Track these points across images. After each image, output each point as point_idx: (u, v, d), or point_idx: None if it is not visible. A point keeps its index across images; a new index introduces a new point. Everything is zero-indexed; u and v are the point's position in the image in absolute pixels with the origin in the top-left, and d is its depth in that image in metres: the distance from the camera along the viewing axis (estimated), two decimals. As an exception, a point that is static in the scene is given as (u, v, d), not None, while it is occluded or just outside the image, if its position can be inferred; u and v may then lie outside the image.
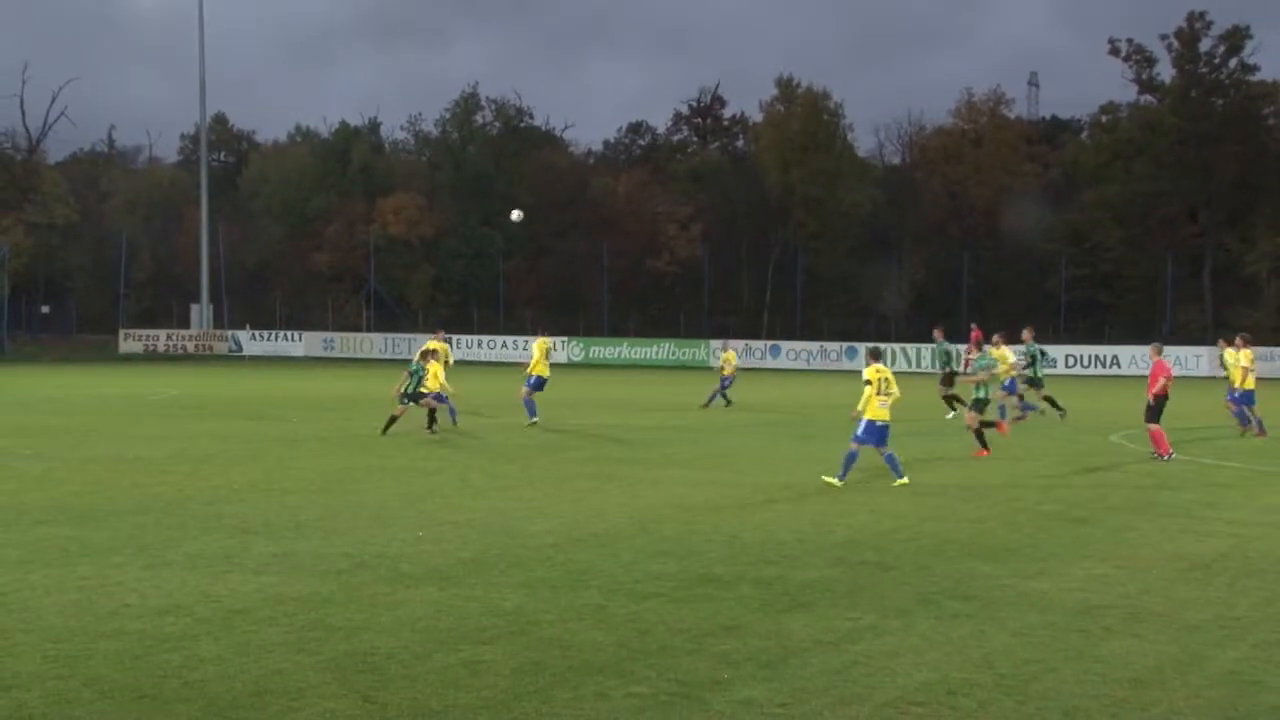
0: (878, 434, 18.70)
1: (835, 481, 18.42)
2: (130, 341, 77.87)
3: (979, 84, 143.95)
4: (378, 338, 76.17)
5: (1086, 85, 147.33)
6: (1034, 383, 30.41)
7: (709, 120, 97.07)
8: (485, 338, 73.61)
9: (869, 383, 18.67)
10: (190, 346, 76.86)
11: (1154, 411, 22.80)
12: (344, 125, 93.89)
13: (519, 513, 15.96)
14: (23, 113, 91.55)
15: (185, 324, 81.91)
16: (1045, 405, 30.77)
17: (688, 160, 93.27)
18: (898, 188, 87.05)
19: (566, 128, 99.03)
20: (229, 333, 77.86)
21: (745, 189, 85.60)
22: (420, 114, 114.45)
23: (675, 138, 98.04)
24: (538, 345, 30.04)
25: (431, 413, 26.31)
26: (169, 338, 77.80)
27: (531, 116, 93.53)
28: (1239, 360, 27.83)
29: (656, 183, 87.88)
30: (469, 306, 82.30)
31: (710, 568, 12.50)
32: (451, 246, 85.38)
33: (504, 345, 71.28)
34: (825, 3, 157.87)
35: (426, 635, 9.83)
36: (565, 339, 68.46)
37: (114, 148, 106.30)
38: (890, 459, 18.77)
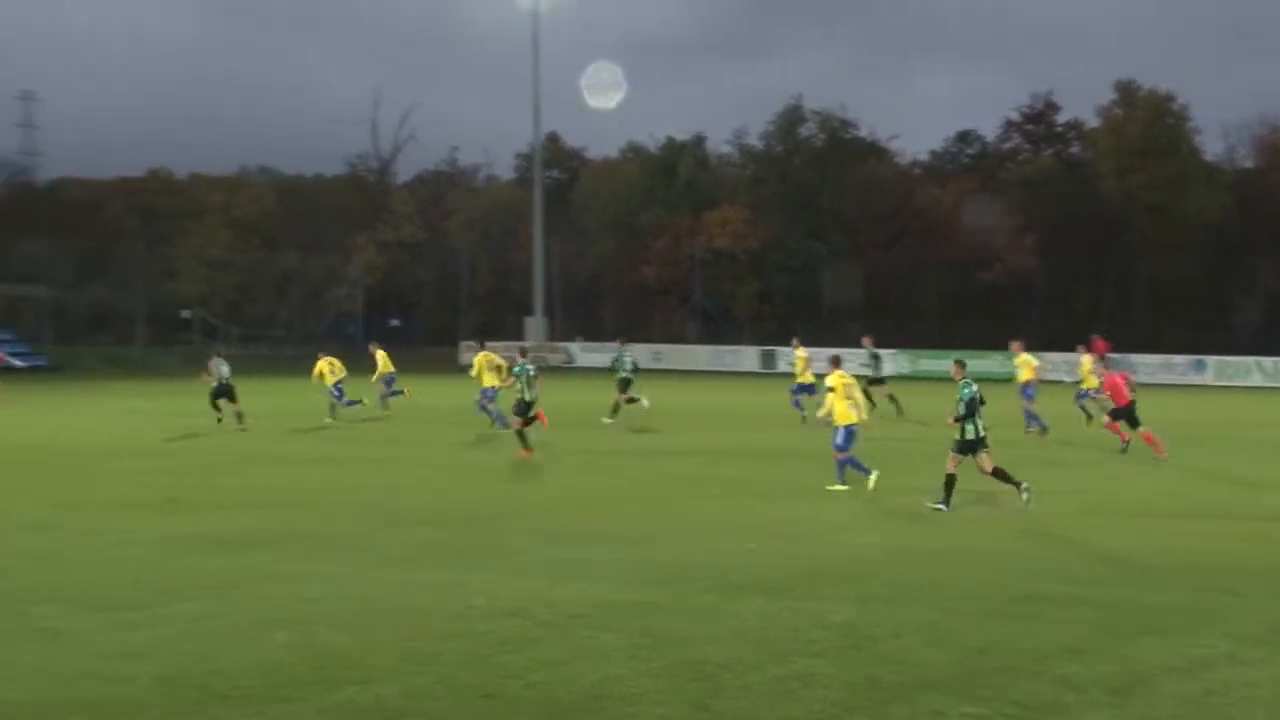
0: (854, 438, 19.35)
1: (840, 487, 18.96)
2: (470, 354, 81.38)
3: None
4: (704, 350, 77.13)
5: None
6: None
7: (1042, 126, 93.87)
8: (811, 350, 73.43)
9: (833, 389, 19.41)
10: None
11: None
12: (670, 140, 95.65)
13: (850, 526, 15.83)
14: (375, 137, 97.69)
15: (521, 336, 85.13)
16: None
17: (1019, 169, 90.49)
18: (1248, 192, 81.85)
19: (892, 138, 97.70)
20: (562, 344, 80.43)
21: (1081, 197, 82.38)
22: (744, 127, 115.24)
23: (1005, 145, 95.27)
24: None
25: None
26: (505, 350, 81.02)
27: (856, 127, 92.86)
28: None
29: (986, 191, 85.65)
30: (793, 319, 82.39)
31: (1046, 587, 12.06)
32: (777, 259, 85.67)
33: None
34: (1166, 1, 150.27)
35: (758, 646, 9.86)
36: (894, 351, 67.57)
37: (456, 167, 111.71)
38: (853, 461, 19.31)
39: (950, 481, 17.25)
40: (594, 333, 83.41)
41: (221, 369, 31.50)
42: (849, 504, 17.77)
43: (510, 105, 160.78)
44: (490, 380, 29.32)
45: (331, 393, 32.84)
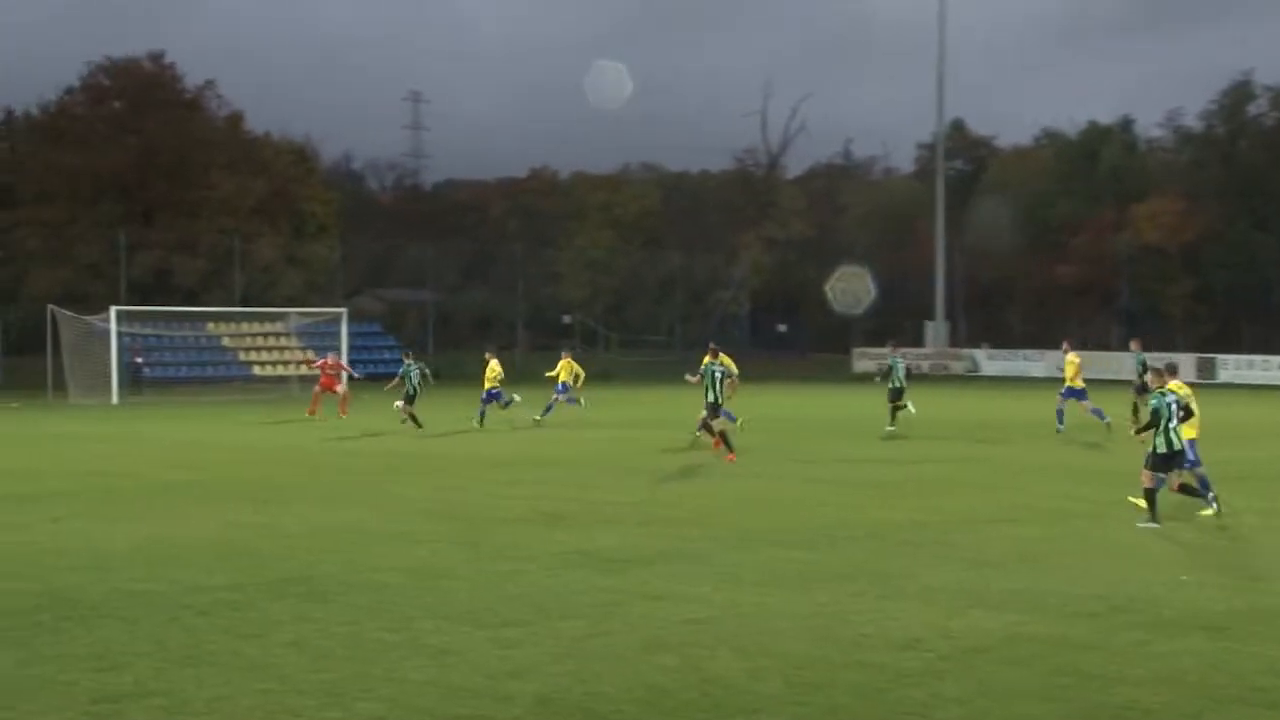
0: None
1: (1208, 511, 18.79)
2: (864, 361, 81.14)
3: None
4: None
5: None
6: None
7: None
8: (1258, 358, 69.12)
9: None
10: (925, 366, 78.76)
11: None
12: (1092, 125, 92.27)
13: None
14: (764, 129, 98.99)
15: (919, 342, 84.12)
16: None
17: None
18: None
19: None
20: (965, 351, 78.98)
21: None
22: (1180, 107, 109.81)
23: None
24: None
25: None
26: (903, 357, 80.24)
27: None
28: None
29: None
30: (1236, 321, 77.77)
31: None
32: (1216, 254, 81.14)
33: None
34: None
35: (1195, 691, 9.39)
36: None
37: (849, 160, 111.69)
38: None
39: (1149, 497, 17.32)
40: (1001, 338, 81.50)
41: (412, 375, 34.63)
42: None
43: (910, 91, 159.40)
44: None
45: (556, 390, 35.79)
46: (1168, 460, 17.64)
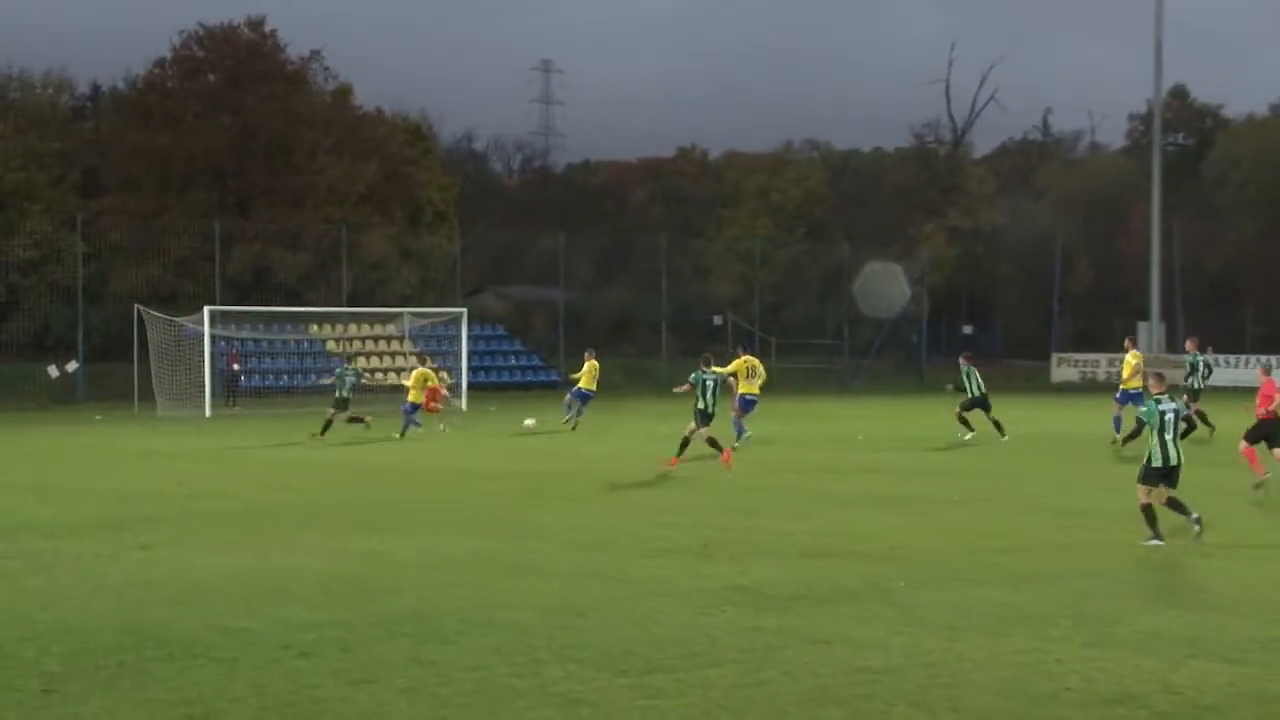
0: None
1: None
2: (1064, 368, 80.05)
3: None
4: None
5: None
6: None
7: None
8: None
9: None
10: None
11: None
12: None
13: None
14: (948, 100, 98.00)
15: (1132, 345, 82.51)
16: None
17: None
18: None
19: None
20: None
21: None
22: None
23: None
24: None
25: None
26: (1110, 364, 79.00)
27: None
28: None
29: None
30: None
31: None
32: None
33: None
34: None
35: None
36: None
37: (1049, 135, 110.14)
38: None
39: (1147, 512, 18.45)
40: (1230, 342, 79.55)
41: (346, 380, 36.96)
42: None
43: (1121, 54, 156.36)
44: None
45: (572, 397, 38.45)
46: (1162, 476, 18.67)
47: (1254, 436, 25.64)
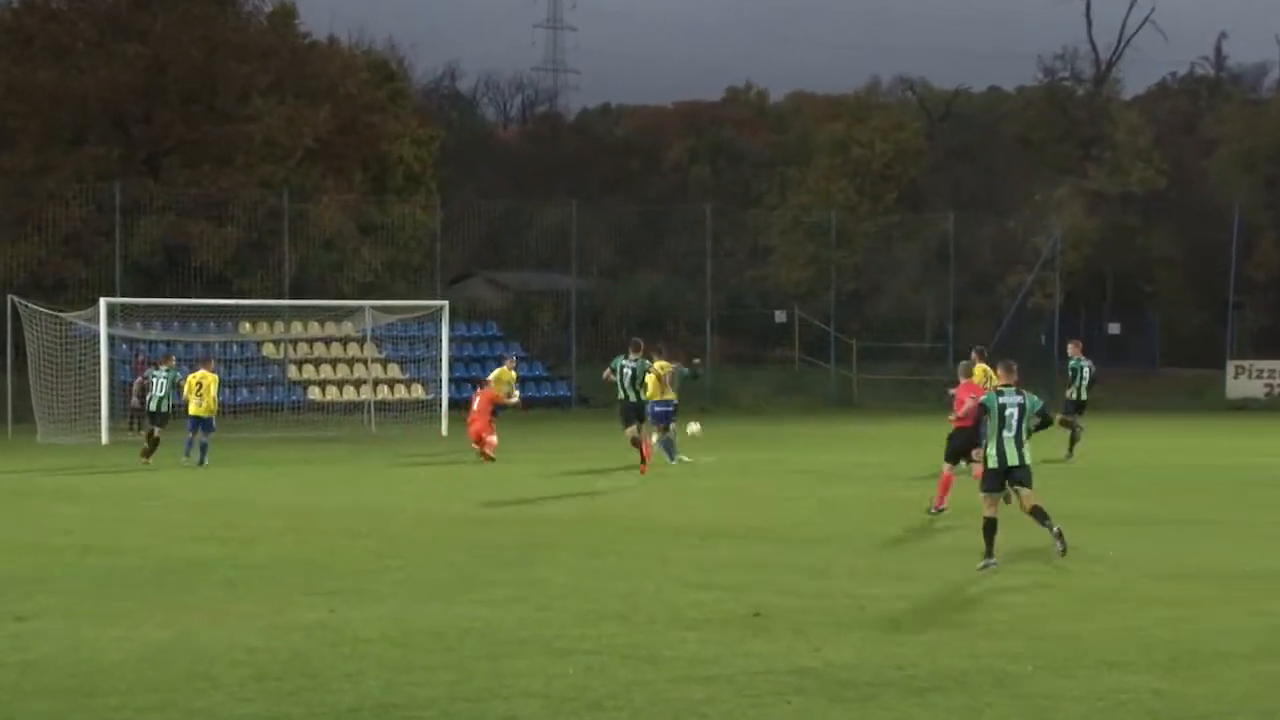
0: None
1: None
2: (1244, 380, 79.47)
3: None
4: None
5: None
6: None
7: None
8: None
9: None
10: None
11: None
12: None
13: None
14: (1089, 22, 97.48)
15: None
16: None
17: None
18: None
19: None
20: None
21: None
22: None
23: None
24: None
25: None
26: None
27: None
28: None
29: None
30: None
31: None
32: None
33: None
34: None
35: None
36: None
37: (1223, 69, 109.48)
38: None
39: (986, 528, 21.52)
40: None
41: (158, 382, 38.70)
42: None
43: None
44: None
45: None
46: (1001, 477, 21.83)
47: (954, 454, 28.23)
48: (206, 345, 59.12)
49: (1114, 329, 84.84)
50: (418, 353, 61.52)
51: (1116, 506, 30.72)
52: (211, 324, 60.37)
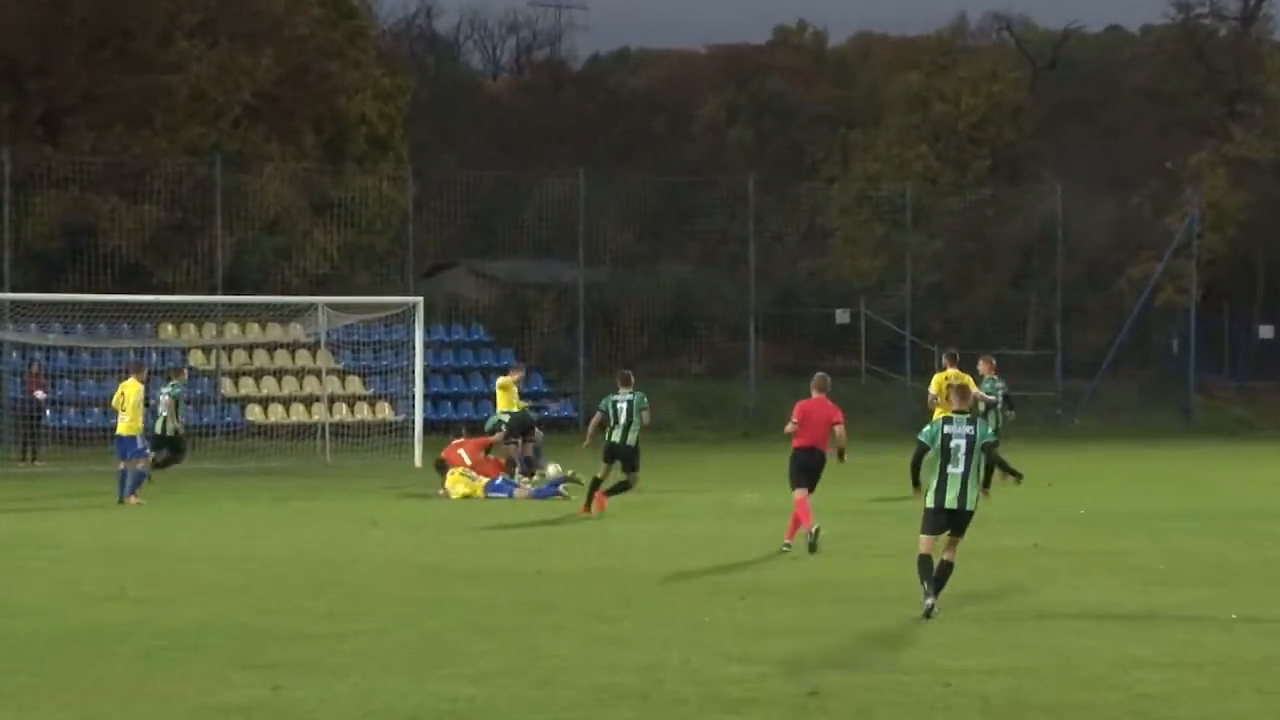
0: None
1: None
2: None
3: None
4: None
5: None
6: None
7: None
8: None
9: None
10: None
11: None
12: None
13: None
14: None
15: None
16: None
17: None
18: None
19: None
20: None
21: None
22: None
23: None
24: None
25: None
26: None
27: None
28: None
29: None
30: None
31: None
32: None
33: None
34: None
35: None
36: None
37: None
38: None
39: (921, 565, 22.88)
40: None
41: (162, 402, 39.71)
42: None
43: None
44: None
45: None
46: (940, 519, 23.05)
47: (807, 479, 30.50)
48: (118, 353, 59.14)
49: (1266, 333, 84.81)
50: (384, 362, 61.62)
51: (1245, 554, 30.66)
52: (125, 325, 60.31)
